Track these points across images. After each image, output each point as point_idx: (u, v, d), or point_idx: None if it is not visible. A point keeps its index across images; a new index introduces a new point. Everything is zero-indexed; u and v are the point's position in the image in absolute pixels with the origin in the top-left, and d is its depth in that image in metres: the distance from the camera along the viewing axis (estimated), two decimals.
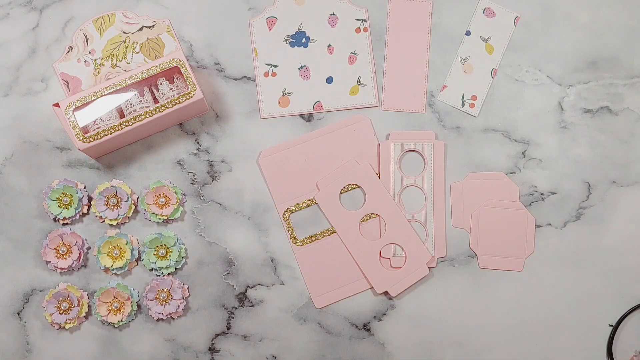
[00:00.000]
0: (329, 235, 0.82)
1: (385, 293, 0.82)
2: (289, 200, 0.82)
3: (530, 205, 0.83)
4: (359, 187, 0.82)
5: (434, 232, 0.82)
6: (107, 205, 0.80)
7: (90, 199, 0.81)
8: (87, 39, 0.82)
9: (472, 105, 0.84)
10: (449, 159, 0.83)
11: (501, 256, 0.82)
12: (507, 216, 0.82)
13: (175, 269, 0.81)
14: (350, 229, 0.81)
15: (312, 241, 0.82)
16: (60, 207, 0.79)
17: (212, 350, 0.81)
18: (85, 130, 0.76)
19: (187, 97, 0.76)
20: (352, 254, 0.81)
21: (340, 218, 0.82)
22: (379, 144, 0.83)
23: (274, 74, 0.83)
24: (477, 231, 0.82)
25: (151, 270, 0.81)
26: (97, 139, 0.75)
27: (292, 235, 0.82)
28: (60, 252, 0.79)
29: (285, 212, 0.82)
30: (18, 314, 0.81)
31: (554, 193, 0.83)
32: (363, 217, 0.82)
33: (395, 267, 0.81)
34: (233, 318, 0.82)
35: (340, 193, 0.82)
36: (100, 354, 0.81)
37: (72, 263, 0.79)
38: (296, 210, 0.82)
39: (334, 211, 0.82)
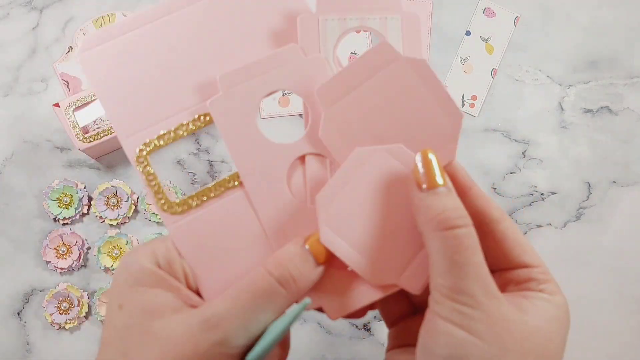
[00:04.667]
0: (231, 188, 0.40)
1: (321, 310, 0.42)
2: (148, 128, 0.40)
3: (530, 205, 0.83)
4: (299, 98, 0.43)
5: None
6: (107, 205, 0.80)
7: (90, 199, 0.81)
8: None
9: (472, 105, 0.84)
10: None
11: None
12: None
13: None
14: (269, 177, 0.39)
15: (199, 204, 0.40)
16: (60, 207, 0.79)
17: None
18: (85, 130, 0.76)
19: None
20: (263, 226, 0.40)
21: (253, 153, 0.39)
22: (298, 19, 0.40)
23: None
24: None
25: None
26: (97, 139, 0.75)
27: (160, 195, 0.40)
28: (60, 252, 0.79)
29: (141, 150, 0.40)
30: (18, 314, 0.81)
31: (554, 193, 0.83)
32: (299, 159, 0.40)
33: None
34: None
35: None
36: None
37: (72, 263, 0.79)
38: (162, 146, 0.40)
39: (241, 138, 0.39)
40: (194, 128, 0.40)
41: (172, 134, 0.40)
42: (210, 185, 0.40)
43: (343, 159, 0.38)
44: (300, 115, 0.83)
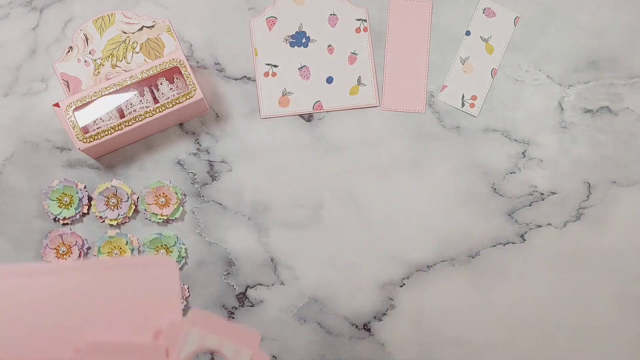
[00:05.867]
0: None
1: None
2: None
3: (530, 205, 0.83)
4: None
5: None
6: (107, 205, 0.80)
7: (90, 199, 0.81)
8: (87, 39, 0.82)
9: (472, 105, 0.84)
10: (447, 160, 0.83)
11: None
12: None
13: None
14: None
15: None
16: (60, 207, 0.79)
17: None
18: (85, 130, 0.76)
19: (187, 97, 0.76)
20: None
21: None
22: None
23: (274, 74, 0.83)
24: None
25: None
26: (97, 139, 0.75)
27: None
28: (60, 252, 0.79)
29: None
30: None
31: (554, 193, 0.83)
32: None
33: None
34: (233, 318, 0.82)
35: None
36: None
37: None
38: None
39: None
40: None
41: None
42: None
43: None
44: (301, 116, 0.83)
